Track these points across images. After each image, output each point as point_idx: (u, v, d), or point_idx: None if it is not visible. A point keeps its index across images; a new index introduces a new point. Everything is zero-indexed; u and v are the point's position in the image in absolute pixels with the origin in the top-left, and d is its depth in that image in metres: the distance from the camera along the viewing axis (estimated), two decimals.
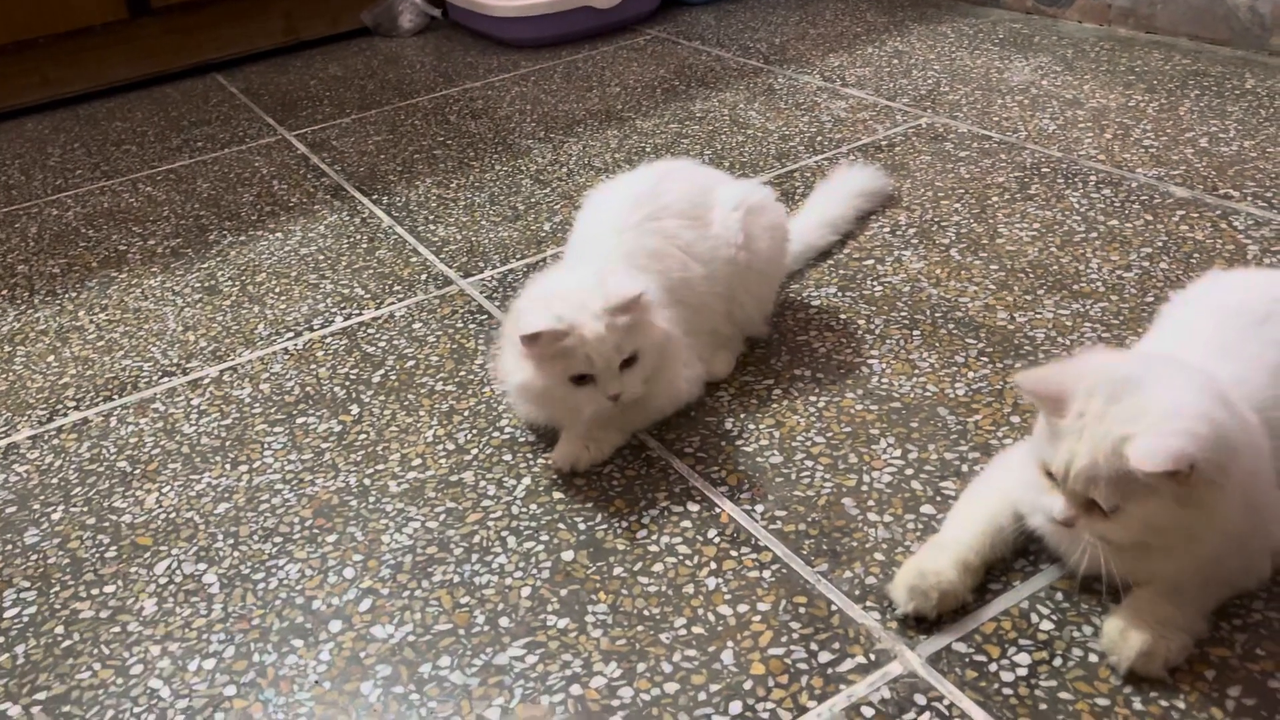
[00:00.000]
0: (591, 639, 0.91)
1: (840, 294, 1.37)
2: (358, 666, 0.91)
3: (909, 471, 1.06)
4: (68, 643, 0.96)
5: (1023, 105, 1.86)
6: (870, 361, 1.23)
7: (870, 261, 1.44)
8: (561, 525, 1.04)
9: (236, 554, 1.05)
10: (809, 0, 2.65)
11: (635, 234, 1.15)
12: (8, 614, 1.01)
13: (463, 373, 1.30)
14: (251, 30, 2.68)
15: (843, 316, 1.33)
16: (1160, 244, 1.39)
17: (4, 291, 1.64)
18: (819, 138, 1.84)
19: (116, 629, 0.98)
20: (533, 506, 1.07)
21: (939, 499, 1.01)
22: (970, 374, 1.19)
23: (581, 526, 1.04)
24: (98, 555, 1.07)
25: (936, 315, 1.30)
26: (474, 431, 1.19)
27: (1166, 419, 0.75)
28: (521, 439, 1.17)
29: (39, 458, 1.23)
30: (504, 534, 1.04)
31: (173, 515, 1.11)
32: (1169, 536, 0.78)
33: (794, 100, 2.02)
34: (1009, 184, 1.60)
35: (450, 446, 1.17)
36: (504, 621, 0.93)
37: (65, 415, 1.31)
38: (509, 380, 1.09)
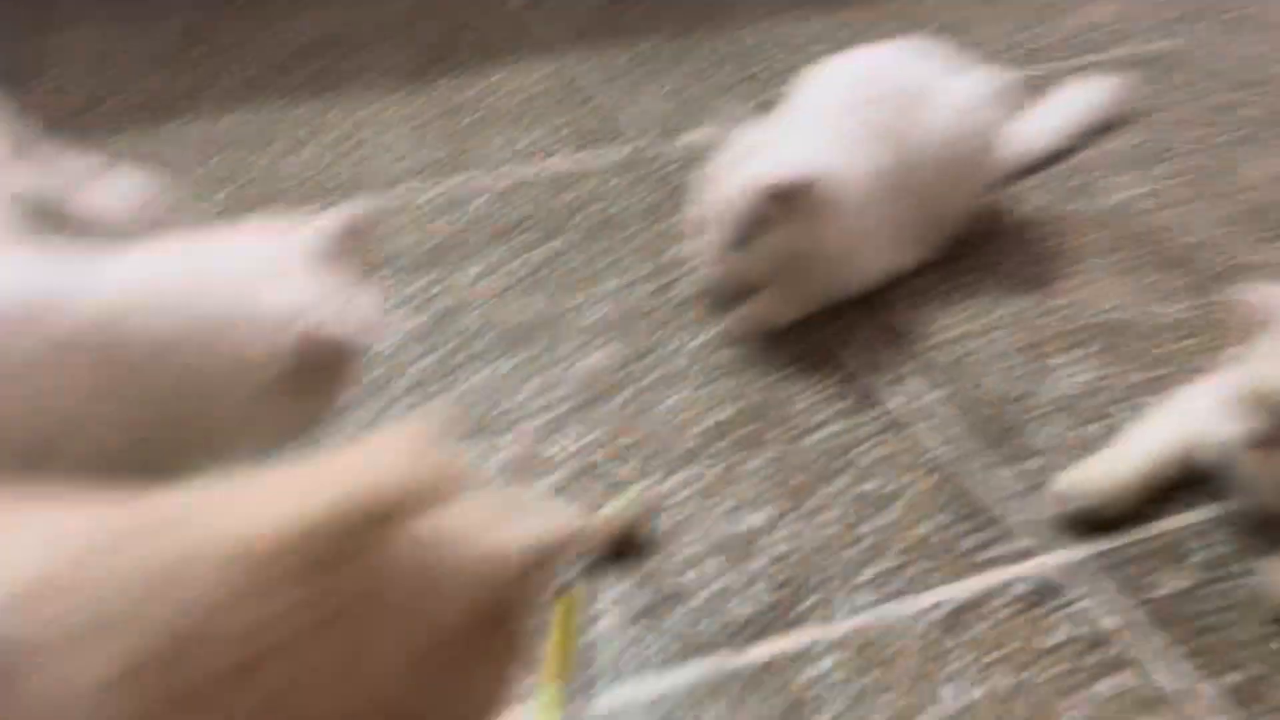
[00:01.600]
0: (747, 485, 0.95)
1: (1052, 204, 1.33)
2: (526, 477, 0.98)
3: (1096, 387, 1.04)
4: None
5: (1271, 43, 1.71)
6: (1070, 276, 1.20)
7: (1088, 178, 1.38)
8: (735, 380, 1.08)
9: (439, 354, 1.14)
10: None
11: (853, 113, 1.14)
12: None
13: (662, 226, 1.34)
14: None
15: (1047, 229, 1.29)
16: None
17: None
18: (1074, 40, 1.75)
19: None
20: (713, 357, 1.11)
21: (1111, 420, 0.99)
22: (1176, 304, 1.14)
23: (750, 387, 1.07)
24: None
25: (1151, 241, 1.25)
26: (658, 286, 1.23)
27: None
28: (703, 298, 1.21)
29: None
30: (680, 378, 1.08)
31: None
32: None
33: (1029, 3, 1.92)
34: (1260, 118, 1.49)
35: (649, 288, 1.22)
36: (669, 454, 0.99)
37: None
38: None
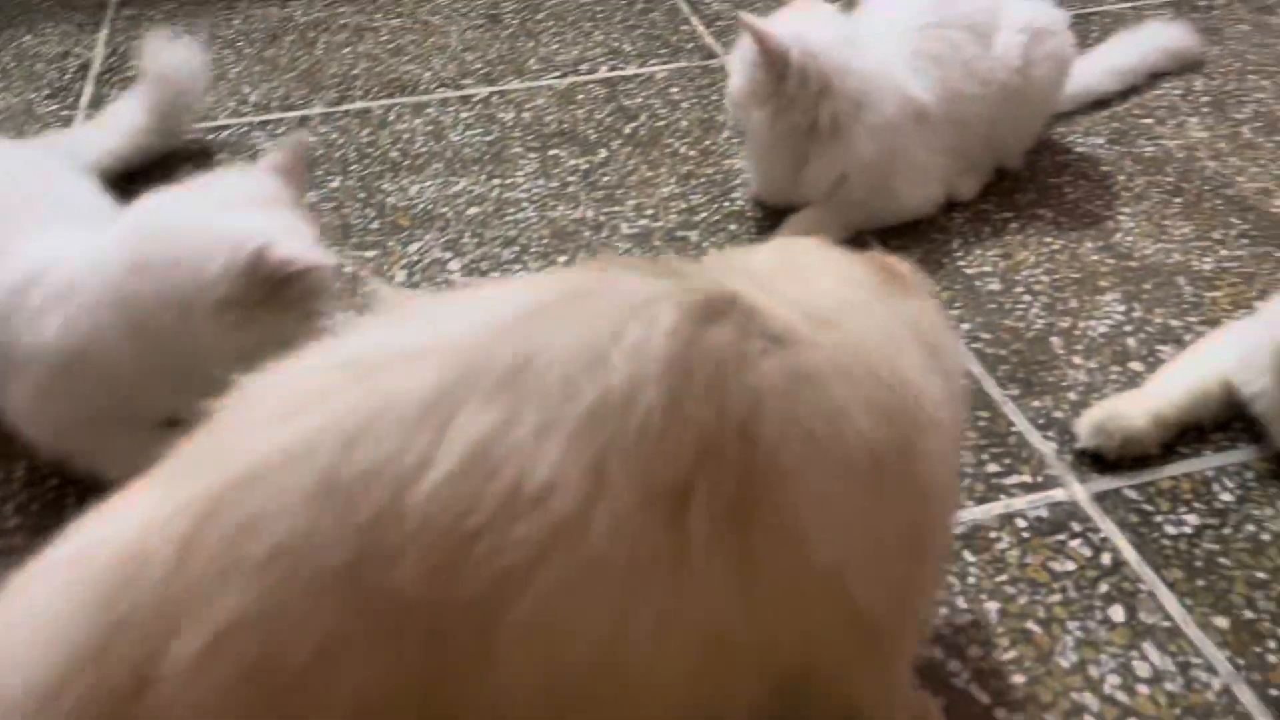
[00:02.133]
0: None
1: (1108, 146, 1.32)
2: None
3: (1128, 328, 1.04)
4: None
5: None
6: (1119, 218, 1.19)
7: (1150, 120, 1.36)
8: None
9: (479, 252, 1.16)
10: None
11: (922, 36, 1.13)
12: None
13: (707, 142, 1.34)
14: None
15: (1104, 168, 1.28)
16: None
17: None
18: None
19: (370, 289, 1.11)
20: None
21: (1151, 360, 1.00)
22: (1223, 251, 1.13)
23: None
24: (363, 225, 1.21)
25: (1206, 188, 1.23)
26: (707, 197, 1.24)
27: None
28: (749, 214, 1.22)
29: (326, 133, 1.37)
30: None
31: (430, 207, 1.23)
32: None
33: None
34: None
35: (683, 205, 1.23)
36: None
37: (352, 102, 1.44)
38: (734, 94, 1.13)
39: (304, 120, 1.39)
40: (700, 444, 0.47)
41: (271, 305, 0.77)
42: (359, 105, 1.43)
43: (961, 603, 0.79)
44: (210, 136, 1.36)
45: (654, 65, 1.52)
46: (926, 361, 0.57)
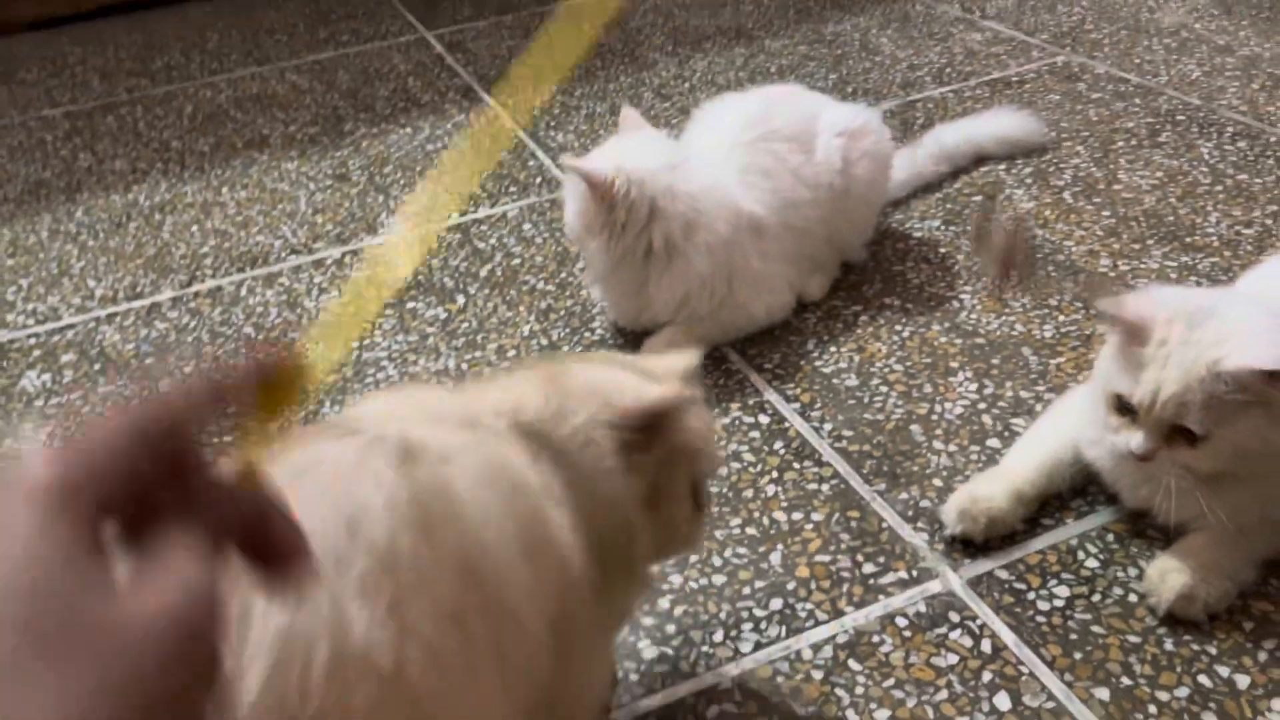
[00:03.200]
0: None
1: (944, 227, 1.37)
2: None
3: (981, 406, 1.07)
4: None
5: (1169, 48, 1.78)
6: (962, 296, 1.24)
7: (980, 197, 1.42)
8: None
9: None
10: None
11: (747, 151, 1.17)
12: None
13: (563, 274, 1.36)
14: None
15: (942, 250, 1.33)
16: None
17: (159, 165, 1.77)
18: (948, 69, 1.81)
19: None
20: None
21: (1007, 434, 1.03)
22: (1061, 317, 1.18)
23: None
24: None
25: (1038, 256, 1.29)
26: (568, 330, 1.26)
27: (1256, 335, 0.76)
28: (610, 340, 1.23)
29: (177, 318, 1.35)
30: None
31: None
32: (1254, 462, 0.79)
33: (928, 29, 1.98)
34: (1138, 129, 1.54)
35: (544, 342, 1.24)
36: None
37: (203, 281, 1.42)
38: (570, 228, 1.15)
39: (153, 308, 1.37)
40: (456, 564, 0.51)
41: None
42: (209, 284, 1.41)
43: (852, 715, 0.78)
44: (55, 337, 1.33)
45: (505, 204, 1.55)
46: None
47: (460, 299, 1.33)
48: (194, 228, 1.56)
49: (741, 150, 1.16)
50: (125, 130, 1.91)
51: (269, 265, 1.45)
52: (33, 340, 1.32)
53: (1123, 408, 0.83)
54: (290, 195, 1.63)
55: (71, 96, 2.09)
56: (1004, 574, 0.88)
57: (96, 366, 1.27)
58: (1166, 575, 0.82)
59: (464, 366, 1.21)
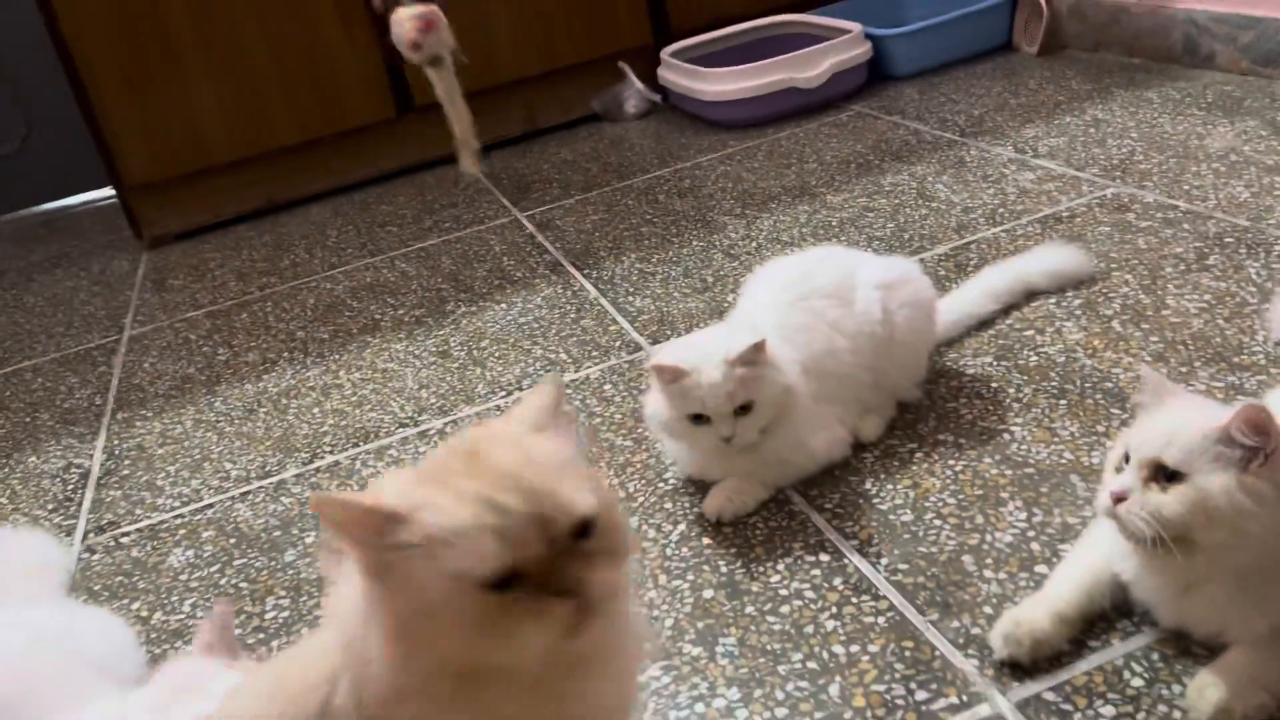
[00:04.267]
0: (719, 666, 1.05)
1: (995, 363, 1.45)
2: None
3: (1030, 534, 1.12)
4: None
5: (1218, 173, 1.84)
6: (1013, 428, 1.30)
7: (1030, 332, 1.50)
8: (706, 567, 1.19)
9: None
10: (1015, 70, 2.69)
11: (786, 310, 1.29)
12: (268, 615, 1.27)
13: (639, 430, 1.48)
14: (497, 120, 3.03)
15: (994, 385, 1.40)
16: None
17: (285, 354, 1.98)
18: (1001, 210, 1.90)
19: None
20: (684, 550, 1.22)
21: (1054, 560, 1.08)
22: (1108, 443, 1.23)
23: (723, 569, 1.18)
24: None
25: (1086, 385, 1.35)
26: (643, 481, 1.36)
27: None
28: (683, 490, 1.33)
29: (300, 492, 1.51)
30: (657, 572, 1.19)
31: None
32: (1217, 528, 0.83)
33: (982, 172, 2.09)
34: (1187, 254, 1.60)
35: (621, 494, 1.35)
36: (647, 647, 1.09)
37: (323, 458, 1.59)
38: (648, 413, 1.26)
39: (279, 485, 1.54)
40: None
41: None
42: (328, 460, 1.58)
43: None
44: (198, 516, 1.50)
45: (588, 368, 1.69)
46: None
47: None
48: (315, 409, 1.75)
49: (783, 309, 1.28)
50: (257, 325, 2.15)
51: (380, 439, 1.61)
52: (179, 520, 1.50)
53: (1121, 465, 0.90)
54: (398, 374, 1.81)
55: (212, 298, 2.36)
56: (1051, 696, 0.93)
57: (232, 541, 1.43)
58: (1205, 690, 0.85)
59: None
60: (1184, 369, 1.34)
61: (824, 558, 1.16)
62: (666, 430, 1.25)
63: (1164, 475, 0.85)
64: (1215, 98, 2.19)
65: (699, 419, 1.20)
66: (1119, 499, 0.87)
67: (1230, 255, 1.57)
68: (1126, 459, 0.89)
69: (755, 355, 1.18)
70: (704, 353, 1.19)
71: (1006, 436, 1.29)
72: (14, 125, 3.47)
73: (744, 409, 1.19)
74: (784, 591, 1.12)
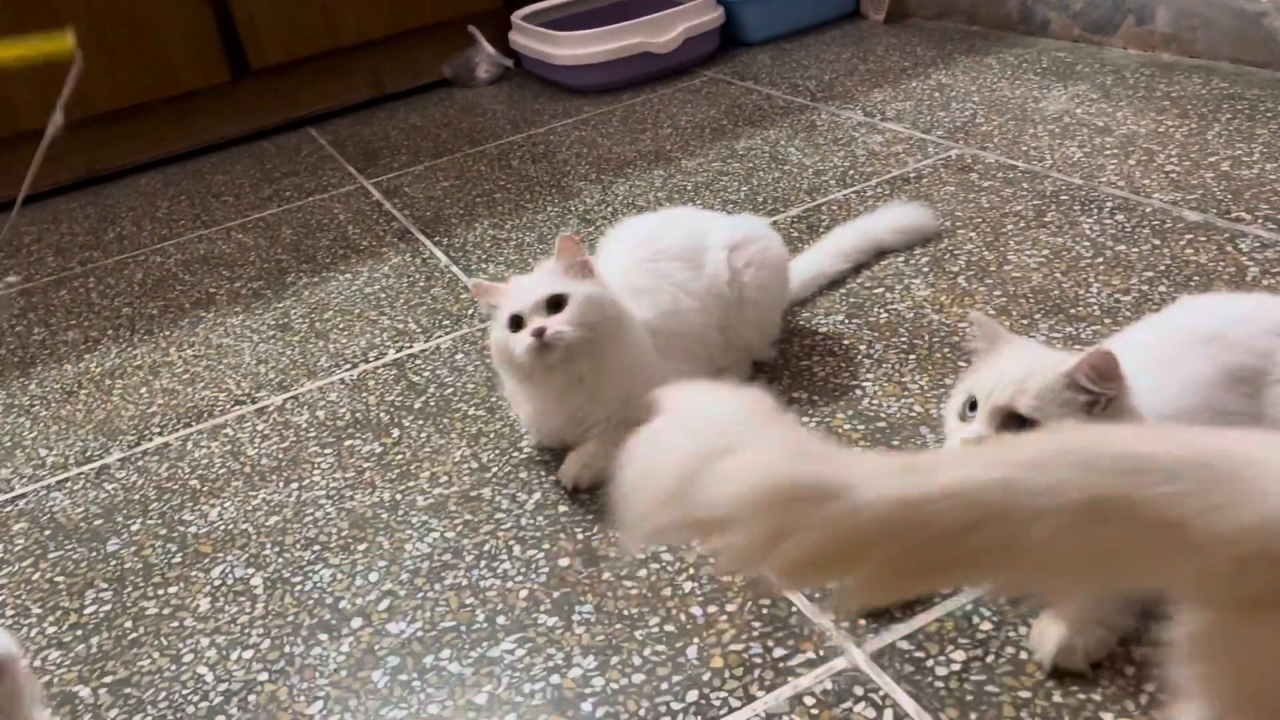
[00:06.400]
0: (575, 635, 1.01)
1: (846, 321, 1.45)
2: (371, 657, 1.03)
3: None
4: (133, 635, 1.12)
5: (1053, 134, 1.91)
6: (864, 384, 1.31)
7: (880, 290, 1.51)
8: (562, 535, 1.15)
9: (280, 560, 1.19)
10: (863, 37, 2.72)
11: (633, 271, 1.26)
12: (88, 610, 1.17)
13: (493, 399, 1.42)
14: (341, 86, 2.90)
15: (845, 342, 1.40)
16: (1163, 268, 1.43)
17: (110, 331, 1.84)
18: (851, 172, 1.92)
19: (175, 624, 1.12)
20: (539, 519, 1.18)
21: None
22: None
23: (579, 536, 1.14)
24: (165, 561, 1.23)
25: (934, 340, 1.37)
26: (496, 451, 1.32)
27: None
28: (537, 459, 1.29)
29: (125, 477, 1.40)
30: (511, 543, 1.15)
31: (230, 527, 1.26)
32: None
33: (833, 136, 2.10)
34: (1026, 212, 1.65)
35: (474, 465, 1.30)
36: (501, 619, 1.05)
37: (150, 440, 1.48)
38: (491, 342, 1.24)
39: (102, 470, 1.43)
40: None
41: None
42: (156, 442, 1.47)
43: None
44: (7, 509, 1.37)
45: (439, 337, 1.62)
46: None
47: (395, 432, 1.39)
48: (143, 389, 1.63)
49: (630, 270, 1.25)
50: (78, 302, 1.99)
51: (214, 418, 1.51)
52: None
53: (965, 413, 0.89)
54: (234, 349, 1.70)
55: (27, 275, 2.17)
56: (905, 645, 0.93)
57: (47, 533, 1.31)
58: (1046, 631, 0.87)
59: (398, 497, 1.26)
60: (1025, 321, 1.37)
61: None
62: (500, 356, 1.21)
63: (1015, 423, 0.85)
64: (1050, 63, 2.27)
65: (518, 324, 1.17)
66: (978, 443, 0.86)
67: (1066, 212, 1.62)
68: (972, 406, 0.88)
69: (574, 260, 1.17)
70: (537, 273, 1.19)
71: (859, 392, 1.30)
72: None
73: (556, 305, 1.16)
74: (640, 556, 1.10)
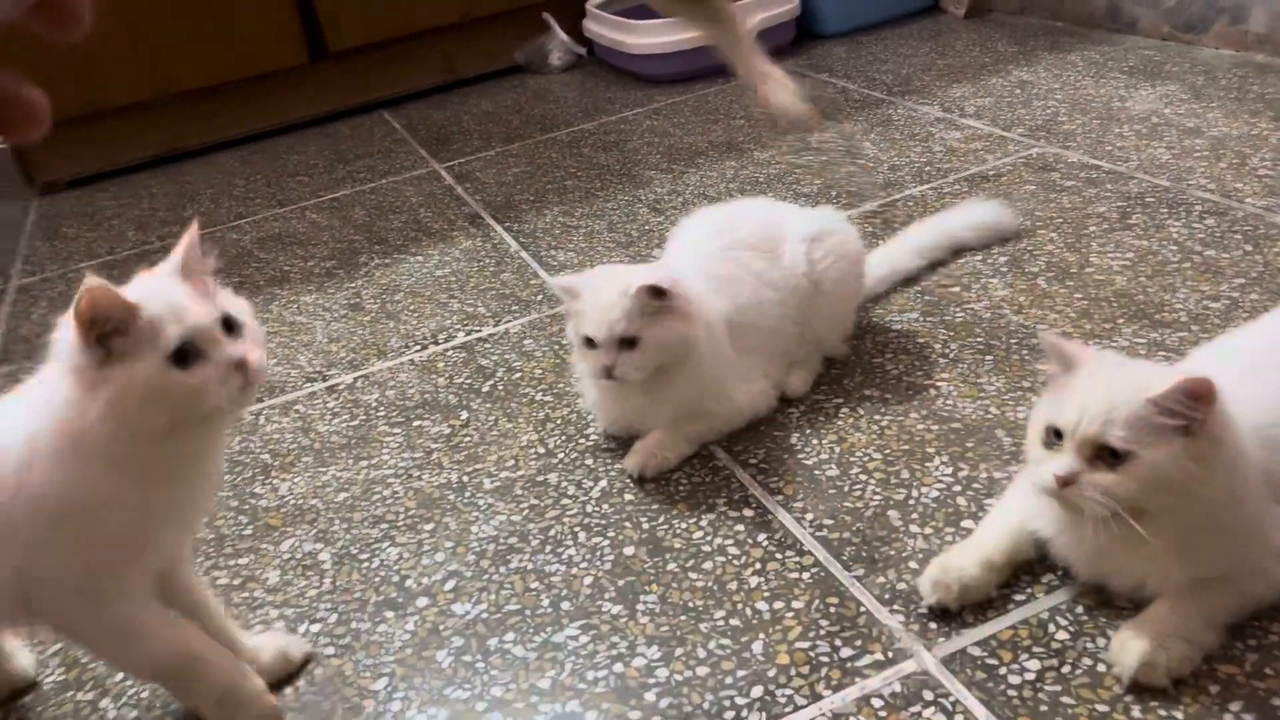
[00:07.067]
0: (639, 624, 1.01)
1: (922, 319, 1.43)
2: (436, 637, 1.04)
3: (956, 489, 1.11)
4: None
5: (1139, 134, 1.85)
6: (939, 384, 1.28)
7: (956, 288, 1.48)
8: (627, 524, 1.14)
9: (348, 536, 1.20)
10: (942, 31, 2.67)
11: (711, 260, 1.25)
12: None
13: (561, 385, 1.42)
14: (415, 70, 2.92)
15: (920, 340, 1.38)
16: (1255, 275, 1.38)
17: None
18: (928, 168, 1.89)
19: (246, 594, 1.14)
20: (605, 506, 1.18)
21: (981, 515, 1.06)
22: (1034, 398, 1.22)
23: (645, 525, 1.14)
24: (237, 533, 1.24)
25: (1012, 341, 1.34)
26: (563, 438, 1.31)
27: (1179, 369, 0.84)
28: (604, 446, 1.29)
29: None
30: (576, 529, 1.15)
31: (300, 502, 1.28)
32: (1173, 495, 0.81)
33: (909, 130, 2.07)
34: (1110, 213, 1.60)
35: (541, 450, 1.30)
36: (565, 605, 1.05)
37: None
38: (568, 333, 1.24)
39: None
40: None
41: None
42: None
43: None
44: None
45: (508, 322, 1.63)
46: None
47: (464, 414, 1.40)
48: None
49: (708, 259, 1.24)
50: None
51: (285, 394, 1.53)
52: None
53: (1051, 440, 0.86)
54: (307, 326, 1.72)
55: (108, 248, 2.23)
56: (977, 651, 0.91)
57: None
58: (1127, 644, 0.84)
59: (465, 479, 1.26)
60: (1107, 325, 1.33)
61: (748, 513, 1.13)
62: (577, 354, 1.21)
63: (1109, 454, 0.82)
64: (1137, 62, 2.21)
65: (592, 344, 1.16)
66: (1066, 483, 0.84)
67: (1152, 215, 1.58)
68: (1057, 434, 0.85)
69: (651, 295, 1.14)
70: (610, 280, 1.16)
71: (932, 392, 1.27)
72: None
73: (629, 343, 1.15)
74: (707, 548, 1.09)
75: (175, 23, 2.61)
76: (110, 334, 0.79)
